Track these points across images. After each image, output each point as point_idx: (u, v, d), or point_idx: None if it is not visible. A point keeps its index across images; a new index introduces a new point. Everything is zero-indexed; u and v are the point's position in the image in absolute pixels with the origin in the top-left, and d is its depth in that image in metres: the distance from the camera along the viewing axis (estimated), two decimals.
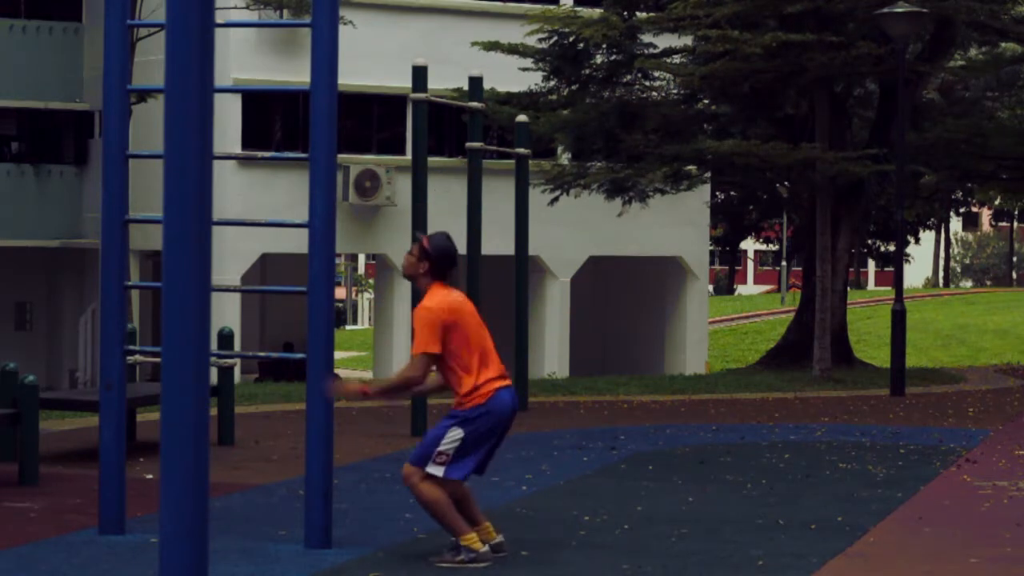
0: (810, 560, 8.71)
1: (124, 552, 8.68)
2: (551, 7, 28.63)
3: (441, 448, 8.41)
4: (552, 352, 31.28)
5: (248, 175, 28.89)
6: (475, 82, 16.79)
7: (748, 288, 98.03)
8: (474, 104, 16.58)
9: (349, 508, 10.20)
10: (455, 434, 8.41)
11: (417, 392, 8.96)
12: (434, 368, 8.57)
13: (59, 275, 32.11)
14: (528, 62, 26.43)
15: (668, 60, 26.08)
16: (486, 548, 8.49)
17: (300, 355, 9.15)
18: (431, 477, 8.41)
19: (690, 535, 9.48)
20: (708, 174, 29.73)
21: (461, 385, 8.46)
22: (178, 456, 4.22)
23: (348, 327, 76.28)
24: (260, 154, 11.37)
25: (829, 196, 24.44)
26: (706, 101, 27.55)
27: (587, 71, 26.32)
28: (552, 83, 26.62)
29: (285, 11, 26.72)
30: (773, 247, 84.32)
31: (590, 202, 28.15)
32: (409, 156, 18.80)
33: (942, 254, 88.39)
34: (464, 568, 8.38)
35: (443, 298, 8.50)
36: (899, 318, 21.61)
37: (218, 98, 25.67)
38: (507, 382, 8.60)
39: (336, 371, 9.42)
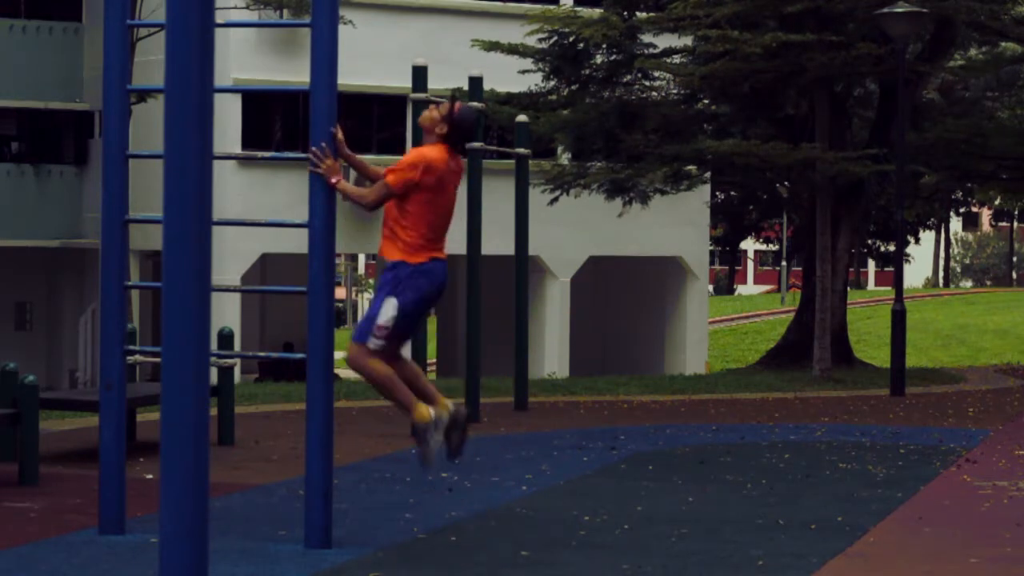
0: (810, 560, 8.70)
1: (124, 552, 8.68)
2: (551, 7, 28.63)
3: (380, 322, 8.52)
4: (552, 352, 31.27)
5: (248, 175, 28.89)
6: (475, 82, 16.79)
7: (748, 288, 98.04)
8: (474, 104, 16.57)
9: (349, 508, 10.20)
10: (391, 307, 8.53)
11: (363, 174, 8.93)
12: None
13: (59, 275, 32.12)
14: (528, 62, 26.43)
15: (668, 60, 26.08)
16: (432, 415, 8.53)
17: (300, 355, 9.14)
18: (374, 352, 8.49)
19: (690, 535, 9.48)
20: (708, 174, 29.74)
21: (403, 244, 8.56)
22: (178, 456, 4.22)
23: (347, 327, 76.31)
24: (260, 154, 11.37)
25: (829, 196, 24.44)
26: (706, 101, 27.55)
27: (587, 71, 26.32)
28: (552, 83, 26.62)
29: (285, 11, 26.73)
30: (773, 247, 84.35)
31: (590, 202, 28.15)
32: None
33: (942, 254, 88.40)
34: (435, 440, 8.51)
35: (440, 157, 8.57)
36: (899, 318, 21.61)
37: (218, 98, 25.65)
38: (442, 255, 8.69)
39: (336, 371, 9.46)
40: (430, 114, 8.71)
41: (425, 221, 8.56)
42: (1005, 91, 31.92)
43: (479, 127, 8.81)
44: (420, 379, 8.73)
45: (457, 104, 8.73)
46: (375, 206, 8.69)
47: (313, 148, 8.67)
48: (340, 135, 8.66)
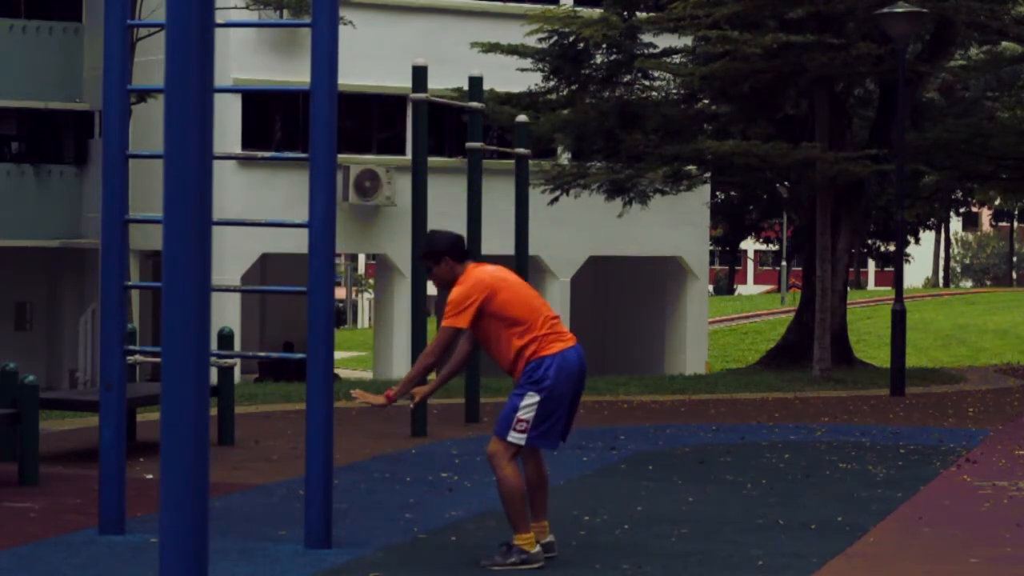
0: (810, 560, 8.70)
1: (124, 552, 8.68)
2: (551, 7, 28.63)
3: (520, 415, 8.28)
4: None
5: (248, 175, 28.89)
6: (475, 82, 16.79)
7: (748, 288, 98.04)
8: (474, 104, 16.57)
9: (349, 508, 10.20)
10: (531, 399, 8.28)
11: (448, 372, 8.66)
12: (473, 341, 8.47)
13: (59, 275, 32.11)
14: (528, 62, 26.43)
15: (668, 60, 26.08)
16: (538, 549, 8.38)
17: (300, 355, 9.15)
18: (515, 447, 8.28)
19: (690, 535, 9.48)
20: (708, 174, 29.74)
21: (521, 350, 8.32)
22: (178, 456, 4.22)
23: (347, 327, 76.27)
24: (260, 154, 11.38)
25: (829, 196, 24.44)
26: (706, 101, 27.55)
27: (587, 71, 26.32)
28: (552, 83, 26.62)
29: (285, 11, 26.72)
30: (773, 247, 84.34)
31: (590, 202, 28.15)
32: (409, 156, 18.80)
33: (942, 254, 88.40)
34: (516, 570, 8.28)
35: (477, 273, 8.44)
36: (899, 318, 21.61)
37: (218, 98, 25.65)
38: (571, 342, 8.48)
39: (336, 371, 9.43)
40: (437, 273, 8.49)
41: (520, 323, 8.34)
42: (1005, 91, 31.92)
43: (447, 234, 8.65)
44: (543, 489, 8.54)
45: (426, 248, 8.54)
46: (445, 348, 8.39)
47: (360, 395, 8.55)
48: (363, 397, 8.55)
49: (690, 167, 26.86)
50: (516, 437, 8.28)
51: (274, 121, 30.38)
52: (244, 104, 29.38)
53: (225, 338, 14.58)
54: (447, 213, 25.08)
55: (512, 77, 26.67)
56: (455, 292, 8.41)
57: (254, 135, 29.52)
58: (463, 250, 8.56)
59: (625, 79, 26.55)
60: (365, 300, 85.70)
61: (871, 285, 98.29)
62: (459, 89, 23.73)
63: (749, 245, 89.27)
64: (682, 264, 33.34)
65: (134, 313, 27.19)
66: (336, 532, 8.98)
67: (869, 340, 44.09)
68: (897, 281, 22.82)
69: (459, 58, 27.06)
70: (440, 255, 8.51)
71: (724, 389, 21.81)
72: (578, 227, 31.09)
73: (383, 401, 8.54)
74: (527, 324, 8.37)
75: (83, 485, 11.08)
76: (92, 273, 30.27)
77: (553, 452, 8.50)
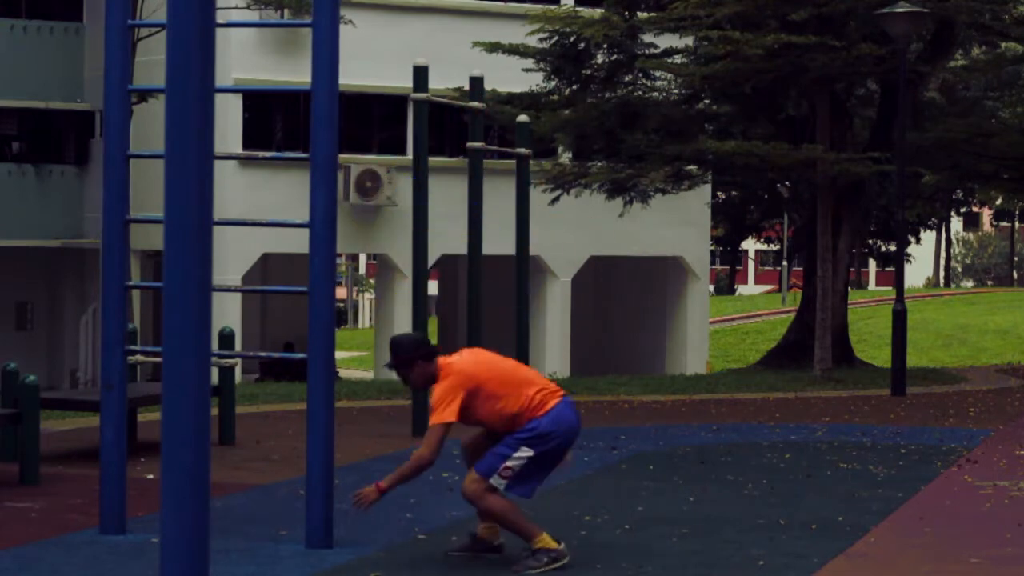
0: (811, 560, 8.70)
1: (125, 552, 8.68)
2: (552, 7, 28.62)
3: (509, 464, 8.29)
4: (553, 352, 31.27)
5: (249, 175, 28.89)
6: (476, 82, 16.79)
7: (749, 288, 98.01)
8: (475, 104, 16.57)
9: (350, 508, 10.20)
10: (525, 452, 8.29)
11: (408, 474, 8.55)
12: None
13: (60, 275, 32.11)
14: (529, 62, 26.42)
15: (669, 60, 26.07)
16: (562, 545, 8.40)
17: (301, 355, 9.15)
18: (493, 490, 8.33)
19: (691, 535, 9.48)
20: (709, 174, 29.73)
21: (516, 415, 8.31)
22: (179, 456, 4.22)
23: (347, 327, 76.28)
24: (261, 154, 11.39)
25: (830, 196, 24.44)
26: (707, 101, 27.55)
27: (588, 71, 26.32)
28: (553, 83, 26.61)
29: (286, 11, 26.73)
30: (774, 247, 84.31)
31: (591, 202, 28.15)
32: (410, 156, 18.79)
33: (943, 254, 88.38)
34: (549, 570, 8.29)
35: (461, 366, 8.35)
36: (900, 318, 21.61)
37: (219, 98, 25.69)
38: (562, 396, 8.47)
39: (337, 371, 9.42)
40: (413, 380, 8.45)
41: (509, 394, 8.32)
42: (1006, 91, 31.90)
43: (406, 336, 8.56)
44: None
45: (392, 357, 8.47)
46: (436, 451, 8.28)
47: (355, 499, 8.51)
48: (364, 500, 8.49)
49: (691, 167, 26.85)
50: (497, 482, 8.32)
51: (275, 121, 30.38)
52: (245, 104, 29.38)
53: (226, 338, 14.58)
54: (447, 213, 25.10)
55: (513, 77, 26.66)
56: (439, 389, 8.31)
57: (255, 135, 29.52)
58: (430, 348, 8.47)
59: (626, 79, 26.54)
60: (366, 300, 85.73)
61: (872, 285, 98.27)
62: (460, 89, 23.72)
63: (750, 245, 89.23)
64: (683, 264, 33.33)
65: (135, 313, 27.19)
66: (337, 532, 8.98)
67: (870, 340, 44.09)
68: (898, 281, 22.82)
69: (460, 58, 27.05)
70: (411, 361, 8.42)
71: (725, 389, 21.80)
72: (579, 227, 31.08)
73: (376, 496, 8.45)
74: (519, 394, 8.36)
75: (84, 485, 11.08)
76: (93, 273, 30.27)
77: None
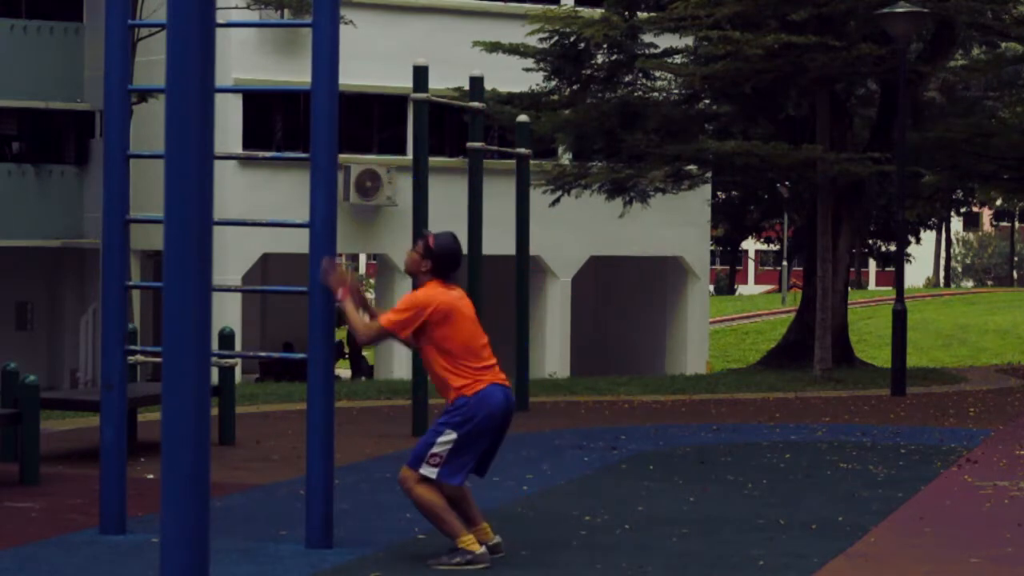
0: (811, 560, 8.71)
1: (125, 552, 8.68)
2: (552, 7, 28.62)
3: (434, 450, 8.37)
4: (553, 352, 31.27)
5: (249, 175, 28.89)
6: (476, 82, 16.79)
7: (749, 288, 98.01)
8: (475, 104, 16.57)
9: (350, 508, 10.20)
10: (448, 436, 8.37)
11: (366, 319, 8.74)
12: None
13: (60, 275, 32.11)
14: (529, 62, 26.42)
15: (669, 60, 26.07)
16: (483, 549, 8.46)
17: (301, 355, 9.15)
18: (426, 479, 8.40)
19: (691, 535, 9.48)
20: (709, 174, 29.73)
21: (450, 382, 8.42)
22: (179, 456, 4.22)
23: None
24: (261, 154, 11.40)
25: (830, 196, 24.44)
26: (707, 101, 27.55)
27: (588, 71, 26.32)
28: (553, 83, 26.62)
29: (286, 11, 26.73)
30: (774, 247, 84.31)
31: (591, 202, 28.14)
32: (410, 156, 18.79)
33: (943, 254, 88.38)
34: (461, 570, 8.36)
35: (438, 293, 8.46)
36: (900, 318, 21.60)
37: (219, 98, 25.67)
38: (500, 379, 8.54)
39: (336, 371, 9.42)
40: (411, 258, 8.58)
41: (459, 354, 8.39)
42: (1006, 91, 31.90)
43: (459, 250, 8.61)
44: (466, 500, 8.57)
45: (429, 237, 8.59)
46: (367, 342, 8.69)
47: (326, 258, 8.65)
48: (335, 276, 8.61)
49: (691, 167, 26.86)
50: (427, 470, 8.37)
51: (275, 121, 30.38)
52: (245, 104, 29.38)
53: (226, 338, 14.58)
54: (448, 213, 25.07)
55: (513, 77, 26.66)
56: (410, 298, 8.48)
57: (255, 135, 29.52)
58: (446, 267, 8.55)
59: (626, 79, 26.54)
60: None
61: (872, 285, 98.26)
62: (460, 89, 23.72)
63: (750, 245, 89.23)
64: (683, 264, 33.33)
65: (135, 313, 27.19)
66: (337, 532, 8.98)
67: (870, 340, 44.10)
68: (898, 281, 22.82)
69: (460, 58, 27.04)
70: (430, 252, 8.52)
71: (725, 389, 21.81)
72: (579, 227, 31.08)
73: (342, 286, 8.57)
74: (463, 361, 8.42)
75: (84, 485, 11.08)
76: (93, 273, 30.27)
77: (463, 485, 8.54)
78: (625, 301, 35.34)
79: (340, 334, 32.09)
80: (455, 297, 8.54)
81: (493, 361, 8.56)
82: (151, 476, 11.67)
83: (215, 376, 14.49)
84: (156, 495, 9.90)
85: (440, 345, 8.42)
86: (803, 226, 41.78)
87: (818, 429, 16.32)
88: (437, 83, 19.07)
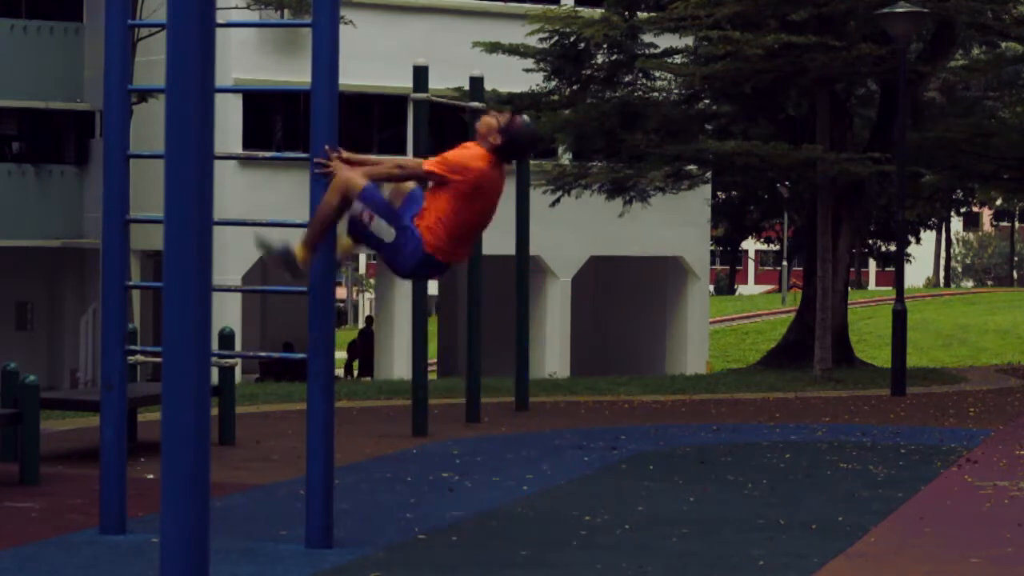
0: (811, 560, 8.70)
1: (125, 552, 8.68)
2: (552, 7, 28.63)
3: (372, 222, 8.29)
4: (553, 352, 31.27)
5: (249, 175, 28.89)
6: (476, 82, 16.79)
7: (749, 288, 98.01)
8: (475, 104, 16.57)
9: (350, 508, 10.20)
10: (389, 231, 8.31)
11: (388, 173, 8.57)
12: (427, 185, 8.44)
13: (60, 275, 32.12)
14: (529, 62, 26.43)
15: (669, 60, 26.07)
16: (301, 260, 8.48)
17: (301, 355, 9.15)
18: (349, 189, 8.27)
19: (691, 535, 9.48)
20: (709, 174, 29.74)
21: (431, 226, 8.27)
22: (179, 456, 4.22)
23: (347, 327, 76.28)
24: (261, 154, 11.38)
25: (830, 196, 24.43)
26: (707, 101, 27.55)
27: (588, 71, 26.32)
28: (553, 83, 26.61)
29: (286, 11, 26.72)
30: (774, 247, 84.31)
31: (591, 202, 28.15)
32: (410, 156, 18.80)
33: (943, 254, 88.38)
34: (273, 261, 8.60)
35: (485, 168, 8.33)
36: (900, 318, 21.60)
37: (219, 98, 25.62)
38: (457, 260, 8.52)
39: (337, 371, 9.42)
40: (489, 120, 8.44)
41: (453, 223, 8.31)
42: (1006, 91, 31.90)
43: (535, 145, 8.52)
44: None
45: (518, 118, 8.49)
46: (402, 178, 8.45)
47: (316, 159, 8.61)
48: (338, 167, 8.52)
49: (691, 167, 26.86)
50: (360, 208, 8.27)
51: (275, 121, 30.39)
52: (245, 104, 29.39)
53: (226, 338, 14.58)
54: None
55: (513, 77, 26.66)
56: (468, 156, 8.32)
57: (255, 135, 29.52)
58: (511, 152, 8.43)
59: (626, 79, 26.54)
60: (366, 300, 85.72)
61: (872, 285, 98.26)
62: (460, 89, 23.73)
63: (750, 245, 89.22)
64: (683, 264, 33.34)
65: (135, 313, 27.19)
66: (337, 532, 8.98)
67: (870, 340, 44.10)
68: (898, 281, 22.81)
69: (460, 58, 27.05)
70: (507, 130, 8.37)
71: (725, 389, 21.80)
72: (579, 227, 31.09)
73: (336, 161, 8.50)
74: (449, 227, 8.29)
75: (84, 485, 11.07)
76: (93, 273, 30.28)
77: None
78: (625, 301, 35.34)
79: (350, 335, 32.09)
80: (495, 178, 8.40)
81: (468, 246, 8.54)
82: (151, 476, 11.67)
83: (215, 376, 14.49)
84: (156, 495, 9.88)
85: (447, 203, 8.29)
86: (803, 226, 41.80)
87: (818, 429, 16.31)
88: (437, 83, 19.06)
